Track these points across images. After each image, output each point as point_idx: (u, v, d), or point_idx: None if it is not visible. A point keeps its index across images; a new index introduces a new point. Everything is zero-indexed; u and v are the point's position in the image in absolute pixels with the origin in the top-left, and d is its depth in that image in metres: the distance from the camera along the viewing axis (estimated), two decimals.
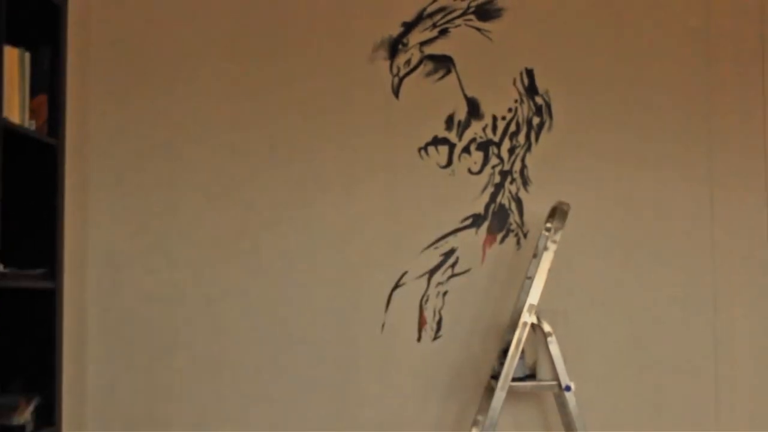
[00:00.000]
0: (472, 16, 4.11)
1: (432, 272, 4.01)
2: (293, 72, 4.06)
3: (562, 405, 3.78)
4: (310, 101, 4.06)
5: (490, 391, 3.77)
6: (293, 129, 4.05)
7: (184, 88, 4.04)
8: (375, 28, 4.08)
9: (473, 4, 4.12)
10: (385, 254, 4.02)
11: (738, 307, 4.08)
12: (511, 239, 4.06)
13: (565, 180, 4.07)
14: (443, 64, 4.05)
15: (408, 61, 4.08)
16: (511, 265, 3.77)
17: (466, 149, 4.05)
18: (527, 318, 3.64)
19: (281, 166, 4.05)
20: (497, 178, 4.05)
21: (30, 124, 3.03)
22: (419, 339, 3.87)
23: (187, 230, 4.01)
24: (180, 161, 4.03)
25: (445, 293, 4.00)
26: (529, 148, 4.10)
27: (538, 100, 4.11)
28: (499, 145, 4.07)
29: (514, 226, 4.07)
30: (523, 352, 3.67)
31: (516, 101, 4.09)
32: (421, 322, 3.98)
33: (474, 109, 3.88)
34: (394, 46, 4.09)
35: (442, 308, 4.00)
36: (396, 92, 4.08)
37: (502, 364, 3.68)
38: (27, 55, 3.03)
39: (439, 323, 3.99)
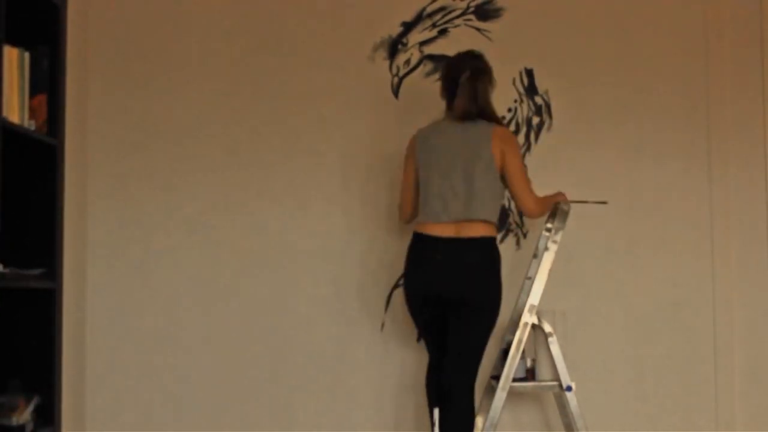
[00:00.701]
0: (471, 16, 4.12)
1: None
2: (293, 72, 4.06)
3: (562, 405, 3.78)
4: (310, 101, 4.06)
5: (490, 391, 3.77)
6: (293, 129, 4.06)
7: (183, 87, 4.04)
8: (375, 28, 4.08)
9: (473, 4, 4.12)
10: (385, 254, 4.02)
11: (737, 307, 4.08)
12: (511, 239, 4.06)
13: (565, 180, 4.07)
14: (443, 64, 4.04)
15: (408, 61, 4.08)
16: (511, 266, 3.77)
17: None
18: (528, 318, 3.64)
19: (281, 165, 4.05)
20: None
21: (29, 124, 3.02)
22: (419, 339, 3.87)
23: (186, 230, 4.01)
24: (180, 161, 4.03)
25: None
26: (528, 148, 4.10)
27: (538, 99, 4.11)
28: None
29: (514, 226, 4.07)
30: (523, 352, 3.66)
31: (516, 101, 4.10)
32: None
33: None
34: (394, 46, 4.09)
35: None
36: (396, 92, 4.08)
37: (502, 364, 3.68)
38: (26, 55, 3.02)
39: None
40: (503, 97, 4.07)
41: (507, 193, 4.08)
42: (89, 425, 3.94)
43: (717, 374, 4.05)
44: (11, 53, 2.93)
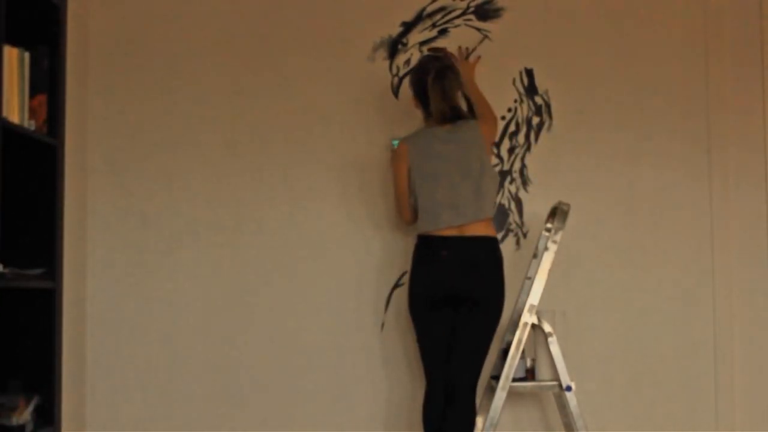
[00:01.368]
0: (471, 16, 4.12)
1: None
2: (293, 72, 4.06)
3: (562, 405, 3.78)
4: (310, 101, 4.06)
5: (490, 391, 3.77)
6: (293, 128, 4.05)
7: (183, 88, 4.04)
8: (375, 28, 4.08)
9: (473, 4, 4.12)
10: (385, 254, 4.02)
11: (737, 307, 4.08)
12: (510, 239, 4.06)
13: (565, 180, 4.07)
14: None
15: (408, 61, 4.07)
16: (511, 266, 3.77)
17: None
18: (528, 318, 3.64)
19: (281, 165, 4.05)
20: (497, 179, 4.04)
21: (29, 124, 3.03)
22: (419, 339, 3.86)
23: (186, 230, 4.01)
24: (180, 161, 4.03)
25: None
26: (528, 148, 4.10)
27: (538, 99, 4.11)
28: (498, 144, 4.07)
29: (513, 226, 4.07)
30: (523, 352, 3.67)
31: (515, 101, 4.10)
32: None
33: (474, 109, 3.87)
34: (394, 46, 4.09)
35: None
36: (396, 92, 4.08)
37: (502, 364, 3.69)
38: (26, 55, 3.02)
39: None
40: (503, 97, 4.08)
41: (507, 193, 4.08)
42: (89, 425, 3.94)
43: (717, 374, 4.05)
44: (11, 53, 2.93)
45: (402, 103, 4.05)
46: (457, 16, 4.11)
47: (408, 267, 3.89)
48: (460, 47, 4.01)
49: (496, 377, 3.74)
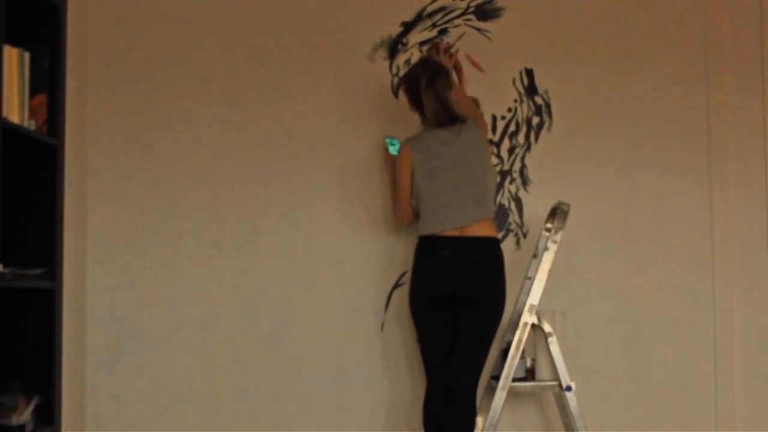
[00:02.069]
0: (471, 16, 4.12)
1: None
2: (294, 72, 4.06)
3: (562, 405, 3.78)
4: (310, 101, 4.06)
5: (490, 391, 3.77)
6: (293, 128, 4.05)
7: (183, 88, 4.04)
8: (375, 28, 4.08)
9: (473, 4, 4.12)
10: (385, 254, 4.02)
11: (737, 308, 4.08)
12: (510, 239, 4.06)
13: (565, 180, 4.07)
14: None
15: (408, 61, 4.07)
16: (511, 266, 3.77)
17: None
18: (528, 318, 3.64)
19: (281, 165, 4.04)
20: (497, 178, 4.04)
21: (29, 124, 3.03)
22: (419, 339, 3.86)
23: (186, 230, 4.01)
24: (179, 161, 4.03)
25: None
26: (528, 148, 4.10)
27: (538, 99, 4.11)
28: (498, 144, 4.07)
29: (513, 226, 4.07)
30: (523, 352, 3.67)
31: (515, 101, 4.10)
32: None
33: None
34: (394, 46, 4.09)
35: None
36: (396, 92, 4.08)
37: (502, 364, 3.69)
38: (26, 55, 3.02)
39: None
40: (503, 97, 4.08)
41: (507, 193, 4.08)
42: (89, 425, 3.94)
43: (717, 374, 4.05)
44: (11, 53, 2.93)
45: (402, 103, 4.04)
46: (457, 16, 4.11)
47: (408, 267, 3.89)
48: (439, 43, 3.95)
49: (496, 377, 3.74)
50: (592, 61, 4.12)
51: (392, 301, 4.02)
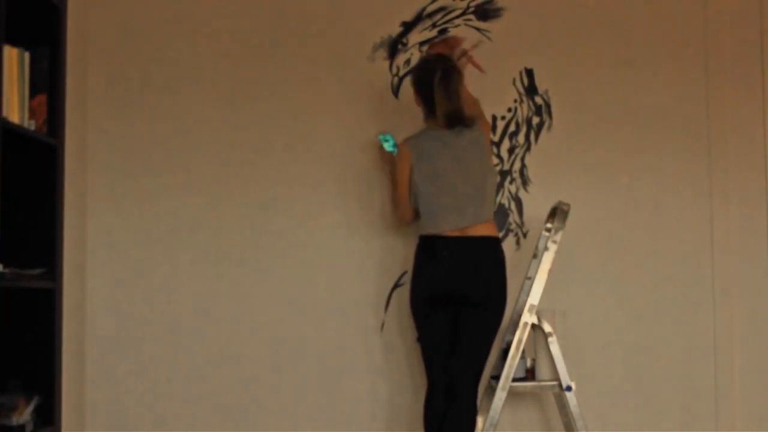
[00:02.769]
0: (471, 16, 4.12)
1: None
2: (293, 72, 4.06)
3: (562, 405, 3.78)
4: (310, 100, 4.06)
5: (490, 391, 3.77)
6: (293, 128, 4.05)
7: (183, 87, 4.04)
8: (375, 28, 4.08)
9: (473, 4, 4.12)
10: (385, 254, 4.02)
11: (737, 307, 4.08)
12: (510, 239, 4.06)
13: (565, 180, 4.07)
14: None
15: (408, 61, 4.07)
16: (511, 266, 3.77)
17: None
18: (528, 318, 3.64)
19: (281, 165, 4.04)
20: (497, 178, 4.04)
21: (29, 124, 3.03)
22: (419, 339, 3.86)
23: (187, 230, 4.01)
24: (179, 161, 4.03)
25: None
26: (528, 148, 4.10)
27: (538, 99, 4.11)
28: (498, 144, 4.07)
29: (513, 226, 4.07)
30: (523, 352, 3.67)
31: (515, 101, 4.09)
32: None
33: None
34: (394, 46, 4.09)
35: None
36: (396, 92, 4.08)
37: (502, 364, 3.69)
38: (26, 55, 3.02)
39: None
40: (503, 97, 4.08)
41: (507, 193, 4.08)
42: (89, 425, 3.94)
43: (717, 374, 4.05)
44: (11, 53, 2.93)
45: (402, 103, 4.05)
46: (457, 16, 4.11)
47: (408, 267, 3.89)
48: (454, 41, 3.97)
49: (496, 377, 3.74)
50: (592, 61, 4.12)
51: (392, 300, 4.02)
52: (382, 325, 4.03)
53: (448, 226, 3.57)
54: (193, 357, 3.98)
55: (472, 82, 3.85)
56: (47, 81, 3.12)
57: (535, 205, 4.04)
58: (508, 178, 4.08)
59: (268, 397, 3.98)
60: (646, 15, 4.15)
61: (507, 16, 4.12)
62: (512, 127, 4.09)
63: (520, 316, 3.68)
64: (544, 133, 4.10)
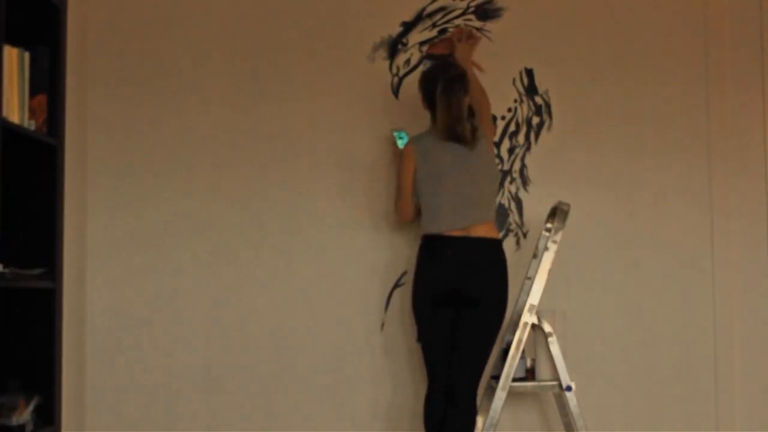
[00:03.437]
0: (471, 16, 4.12)
1: None
2: (293, 72, 4.06)
3: (562, 405, 3.78)
4: (310, 101, 4.06)
5: (490, 391, 3.77)
6: (293, 129, 4.05)
7: (183, 87, 4.04)
8: (375, 28, 4.08)
9: (473, 4, 4.12)
10: (386, 254, 4.02)
11: (738, 308, 4.08)
12: (510, 239, 4.06)
13: (565, 180, 4.07)
14: None
15: (408, 61, 4.07)
16: (511, 266, 3.77)
17: None
18: (528, 318, 3.64)
19: (281, 165, 4.05)
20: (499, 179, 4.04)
21: (29, 124, 3.02)
22: (419, 339, 3.86)
23: (187, 230, 4.01)
24: (180, 160, 4.03)
25: None
26: (528, 148, 4.10)
27: (538, 99, 4.11)
28: (498, 144, 4.07)
29: (513, 226, 4.07)
30: (523, 352, 3.67)
31: (515, 101, 4.09)
32: None
33: (473, 109, 3.88)
34: (394, 46, 4.09)
35: None
36: (396, 92, 4.08)
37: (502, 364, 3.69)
38: (26, 55, 3.02)
39: None
40: (503, 97, 4.08)
41: (507, 193, 4.08)
42: (89, 425, 3.94)
43: (717, 374, 4.05)
44: (11, 53, 2.93)
45: (402, 102, 4.05)
46: (457, 16, 4.11)
47: (408, 267, 3.90)
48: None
49: (496, 377, 3.74)
50: (592, 61, 4.12)
51: (392, 300, 4.02)
52: (382, 325, 4.03)
53: (450, 226, 3.57)
54: (192, 357, 3.98)
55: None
56: (47, 81, 3.12)
57: (535, 205, 4.04)
58: (508, 178, 4.08)
59: (268, 397, 3.98)
60: (646, 15, 4.15)
61: (507, 16, 4.12)
62: (512, 127, 4.09)
63: (520, 316, 3.68)
64: (544, 133, 4.11)
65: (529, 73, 4.11)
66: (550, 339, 3.67)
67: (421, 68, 4.02)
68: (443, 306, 3.59)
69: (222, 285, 4.01)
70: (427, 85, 3.67)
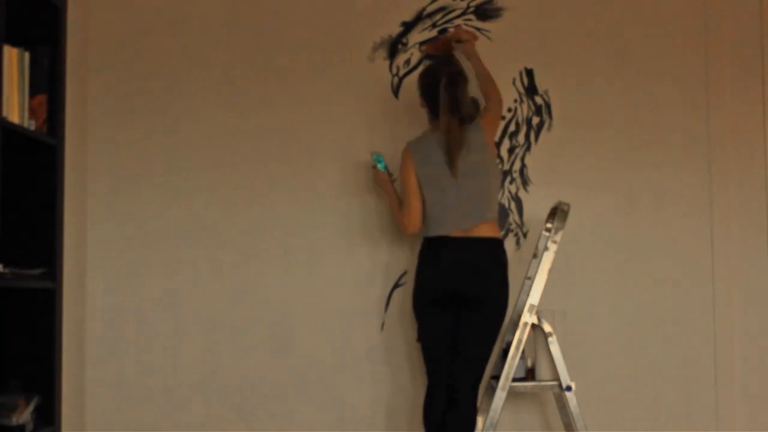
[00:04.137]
0: (471, 16, 4.12)
1: None
2: (293, 72, 4.06)
3: (562, 405, 3.78)
4: (310, 101, 4.06)
5: (490, 391, 3.77)
6: (293, 129, 4.05)
7: (183, 87, 4.04)
8: (375, 28, 4.08)
9: (473, 4, 4.12)
10: (386, 254, 4.02)
11: (737, 308, 4.08)
12: (510, 239, 4.06)
13: (565, 180, 4.07)
14: None
15: (408, 61, 4.08)
16: (511, 266, 3.77)
17: None
18: (528, 318, 3.64)
19: (281, 166, 4.05)
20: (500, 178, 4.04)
21: (29, 124, 3.03)
22: (419, 339, 3.86)
23: (187, 230, 4.01)
24: (180, 161, 4.03)
25: None
26: (528, 148, 4.10)
27: (538, 99, 4.11)
28: (498, 144, 4.07)
29: (513, 226, 4.07)
30: (523, 352, 3.67)
31: (515, 101, 4.09)
32: None
33: (474, 108, 3.87)
34: (394, 46, 4.09)
35: None
36: (396, 92, 4.08)
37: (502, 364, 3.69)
38: (26, 55, 3.02)
39: None
40: (503, 97, 4.06)
41: (507, 193, 4.08)
42: (89, 425, 3.94)
43: (717, 374, 4.05)
44: (11, 53, 2.93)
45: (402, 102, 4.05)
46: (457, 16, 4.11)
47: (408, 267, 3.90)
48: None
49: (496, 377, 3.74)
50: (592, 61, 4.12)
51: (392, 301, 4.02)
52: (382, 325, 4.03)
53: (452, 228, 3.57)
54: (192, 357, 3.98)
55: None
56: (47, 81, 3.12)
57: (535, 205, 4.04)
58: (508, 178, 4.08)
59: (268, 397, 3.98)
60: (646, 15, 4.15)
61: (507, 16, 4.12)
62: (512, 127, 4.09)
63: (520, 316, 3.67)
64: (544, 133, 4.10)
65: (529, 73, 4.11)
66: (550, 339, 3.67)
67: (421, 68, 4.02)
68: (444, 306, 3.58)
69: (222, 285, 4.01)
70: (428, 80, 3.65)
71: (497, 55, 4.04)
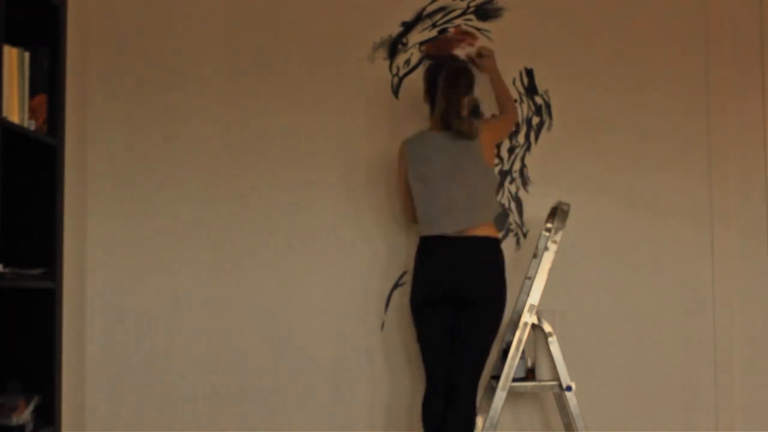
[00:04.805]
0: (471, 16, 4.12)
1: None
2: (293, 71, 4.06)
3: (562, 405, 3.78)
4: (310, 101, 4.06)
5: (490, 391, 3.77)
6: (293, 129, 4.05)
7: (183, 87, 4.04)
8: (375, 28, 4.08)
9: (473, 4, 4.12)
10: (386, 254, 4.02)
11: (737, 308, 4.08)
12: (510, 239, 4.06)
13: (565, 180, 4.07)
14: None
15: (408, 61, 4.08)
16: (511, 266, 3.77)
17: None
18: (528, 318, 3.64)
19: (281, 165, 4.05)
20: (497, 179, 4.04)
21: (29, 124, 3.03)
22: (419, 339, 3.86)
23: (187, 230, 4.01)
24: (180, 161, 4.03)
25: None
26: (528, 148, 4.10)
27: (538, 99, 4.11)
28: (498, 144, 4.07)
29: (513, 226, 4.07)
30: (523, 352, 3.67)
31: (516, 101, 4.09)
32: None
33: (474, 109, 3.87)
34: (394, 46, 4.09)
35: None
36: (396, 92, 4.08)
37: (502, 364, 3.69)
38: (26, 55, 3.02)
39: None
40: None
41: (507, 193, 4.08)
42: (89, 425, 3.94)
43: (717, 374, 4.05)
44: (11, 53, 2.93)
45: (402, 102, 4.05)
46: (457, 16, 4.12)
47: (408, 267, 3.90)
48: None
49: (496, 377, 3.74)
50: (592, 61, 4.12)
51: (392, 300, 4.02)
52: (382, 324, 4.03)
53: (443, 228, 3.57)
54: (192, 357, 3.98)
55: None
56: (47, 81, 3.12)
57: (535, 205, 4.04)
58: (508, 178, 4.08)
59: (269, 397, 3.98)
60: (646, 15, 4.15)
61: (507, 16, 4.12)
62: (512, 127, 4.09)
63: (520, 316, 3.68)
64: (544, 133, 4.11)
65: (529, 73, 4.11)
66: (550, 339, 3.67)
67: (421, 68, 4.02)
68: (441, 306, 3.58)
69: (222, 285, 4.01)
70: (431, 73, 3.70)
71: (497, 55, 4.04)
